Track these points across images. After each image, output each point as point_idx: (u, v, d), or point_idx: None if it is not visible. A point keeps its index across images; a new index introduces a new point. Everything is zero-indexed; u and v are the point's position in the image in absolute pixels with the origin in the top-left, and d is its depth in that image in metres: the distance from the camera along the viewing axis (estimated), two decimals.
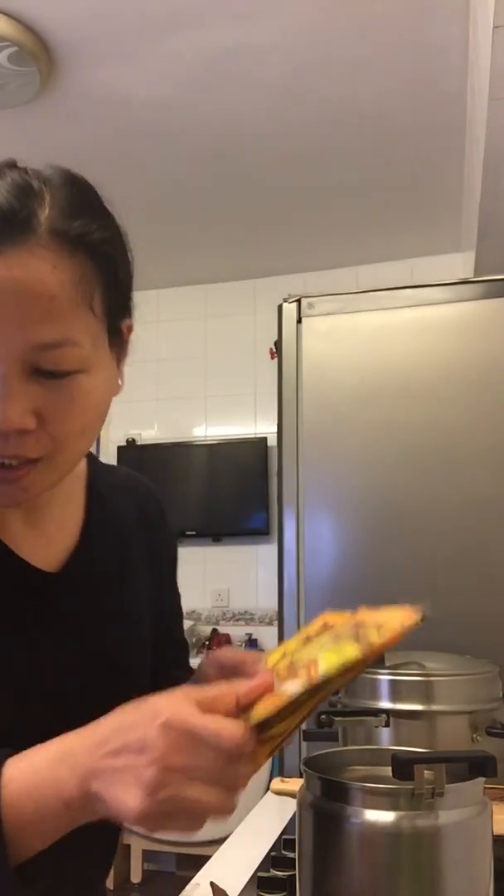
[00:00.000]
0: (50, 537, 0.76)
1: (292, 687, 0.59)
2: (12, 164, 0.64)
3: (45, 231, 0.59)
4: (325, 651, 0.63)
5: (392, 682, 1.23)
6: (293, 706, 0.59)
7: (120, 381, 0.70)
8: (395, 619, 0.64)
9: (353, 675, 0.65)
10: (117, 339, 0.68)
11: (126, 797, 0.54)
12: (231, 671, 0.71)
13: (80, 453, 0.68)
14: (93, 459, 0.86)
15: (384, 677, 1.24)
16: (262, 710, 0.58)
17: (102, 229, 0.64)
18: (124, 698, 0.78)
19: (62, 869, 0.76)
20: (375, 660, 0.64)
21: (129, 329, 0.71)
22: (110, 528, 0.83)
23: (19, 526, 0.74)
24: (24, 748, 0.68)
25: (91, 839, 0.79)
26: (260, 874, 1.01)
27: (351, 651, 0.60)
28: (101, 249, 0.63)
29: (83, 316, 0.62)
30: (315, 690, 0.59)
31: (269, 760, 0.72)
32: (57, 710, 0.71)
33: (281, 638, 1.85)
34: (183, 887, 1.01)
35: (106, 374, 0.67)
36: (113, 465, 0.89)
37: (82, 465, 0.83)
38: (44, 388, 0.61)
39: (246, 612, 4.10)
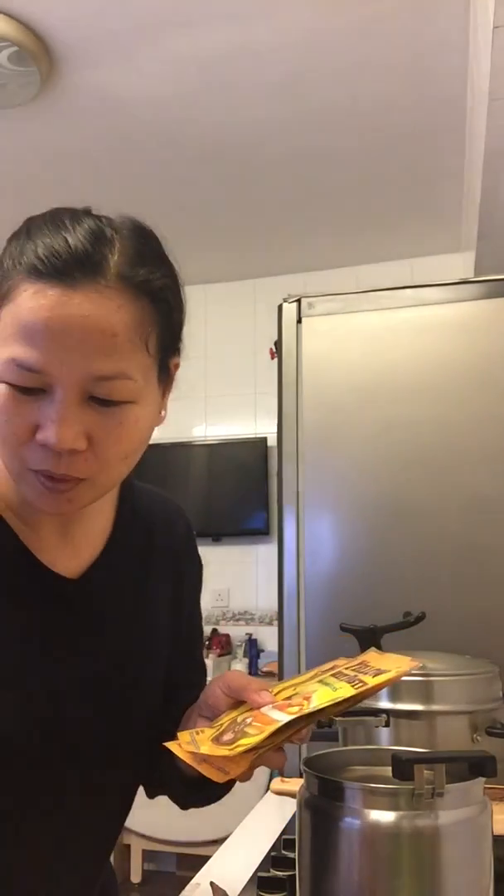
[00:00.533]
0: (77, 547, 0.79)
1: (280, 717, 0.64)
2: (88, 211, 0.70)
3: (113, 275, 0.66)
4: (322, 687, 0.67)
5: None
6: (281, 730, 0.64)
7: (163, 413, 0.77)
8: (392, 665, 0.68)
9: (344, 707, 0.69)
10: (165, 374, 0.76)
11: None
12: (237, 692, 0.74)
13: (121, 475, 0.73)
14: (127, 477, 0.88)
15: None
16: (251, 739, 0.62)
17: (163, 277, 0.72)
18: (134, 708, 0.79)
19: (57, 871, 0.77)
20: (366, 698, 0.67)
21: (176, 366, 0.79)
22: (135, 544, 0.86)
23: (49, 533, 0.77)
24: (32, 752, 0.71)
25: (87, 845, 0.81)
26: (260, 874, 1.01)
27: (344, 690, 0.65)
28: (161, 296, 0.71)
29: (139, 354, 0.68)
30: (302, 719, 0.64)
31: None
32: (67, 715, 0.73)
33: (281, 638, 1.85)
34: (183, 887, 1.01)
35: (153, 406, 0.73)
36: (147, 486, 0.93)
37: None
38: (96, 414, 0.67)
39: (246, 612, 4.10)
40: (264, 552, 4.01)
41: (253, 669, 3.89)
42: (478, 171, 2.50)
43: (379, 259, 3.93)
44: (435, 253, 3.84)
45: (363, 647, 1.25)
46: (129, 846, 3.53)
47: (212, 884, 0.97)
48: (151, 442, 0.79)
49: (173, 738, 0.82)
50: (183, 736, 0.71)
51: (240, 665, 3.87)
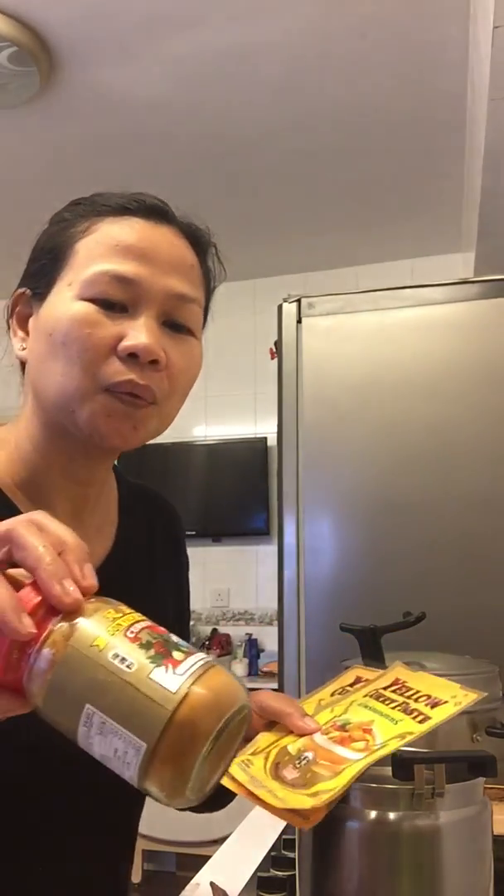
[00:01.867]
0: (90, 538, 0.77)
1: (351, 755, 0.61)
2: None
3: (180, 227, 0.77)
4: (374, 715, 0.65)
5: None
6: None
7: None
8: (443, 693, 0.65)
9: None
10: (203, 329, 0.81)
11: None
12: (276, 717, 0.72)
13: (175, 412, 0.78)
14: (119, 473, 0.90)
15: None
16: (332, 785, 0.58)
17: (209, 251, 0.81)
18: None
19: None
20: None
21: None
22: (139, 535, 0.88)
23: (61, 516, 0.71)
24: (30, 746, 0.67)
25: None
26: (260, 874, 1.01)
27: (407, 725, 0.62)
28: (207, 262, 0.80)
29: (201, 292, 0.78)
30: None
31: None
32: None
33: (281, 638, 1.85)
34: (183, 887, 1.01)
35: (200, 349, 0.79)
36: (134, 480, 0.94)
37: (113, 473, 0.88)
38: (169, 339, 0.73)
39: (246, 612, 4.10)
40: (264, 552, 4.01)
41: (253, 669, 3.89)
42: (478, 171, 2.50)
43: (379, 259, 3.93)
44: (435, 253, 3.84)
45: (363, 648, 1.25)
46: None
47: (212, 884, 0.97)
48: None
49: None
50: (231, 769, 0.62)
51: (240, 665, 3.87)
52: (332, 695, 0.74)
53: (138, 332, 0.70)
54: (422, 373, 1.85)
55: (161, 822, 3.31)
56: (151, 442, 0.80)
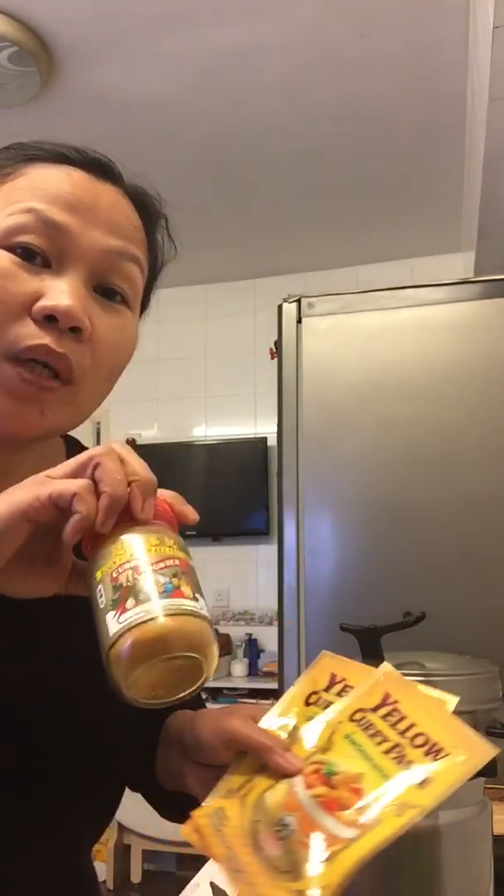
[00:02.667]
0: None
1: (341, 831, 0.52)
2: None
3: (127, 189, 0.68)
4: (361, 761, 0.55)
5: None
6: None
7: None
8: (443, 731, 0.54)
9: None
10: (146, 302, 0.72)
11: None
12: (249, 748, 0.62)
13: (97, 399, 0.67)
14: (74, 446, 0.79)
15: None
16: (322, 879, 0.50)
17: (158, 222, 0.72)
18: (98, 707, 0.66)
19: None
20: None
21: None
22: None
23: None
24: (17, 746, 0.63)
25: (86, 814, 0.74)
26: None
27: (405, 793, 0.52)
28: (155, 234, 0.71)
29: (143, 257, 0.68)
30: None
31: None
32: (16, 716, 0.65)
33: (281, 638, 1.85)
34: (183, 887, 1.01)
35: (135, 326, 0.69)
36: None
37: (61, 452, 0.77)
38: (98, 306, 0.63)
39: (246, 612, 4.10)
40: (264, 552, 4.01)
41: (253, 669, 3.89)
42: (478, 171, 2.50)
43: (379, 259, 3.93)
44: (435, 253, 3.84)
45: (363, 648, 1.25)
46: (129, 846, 3.53)
47: (212, 884, 0.97)
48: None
49: (147, 740, 0.74)
50: (201, 820, 0.57)
51: (240, 665, 3.87)
52: (308, 703, 0.64)
53: (60, 292, 0.59)
54: (422, 373, 1.85)
55: (161, 822, 3.30)
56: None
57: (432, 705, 0.58)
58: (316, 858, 0.52)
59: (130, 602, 0.49)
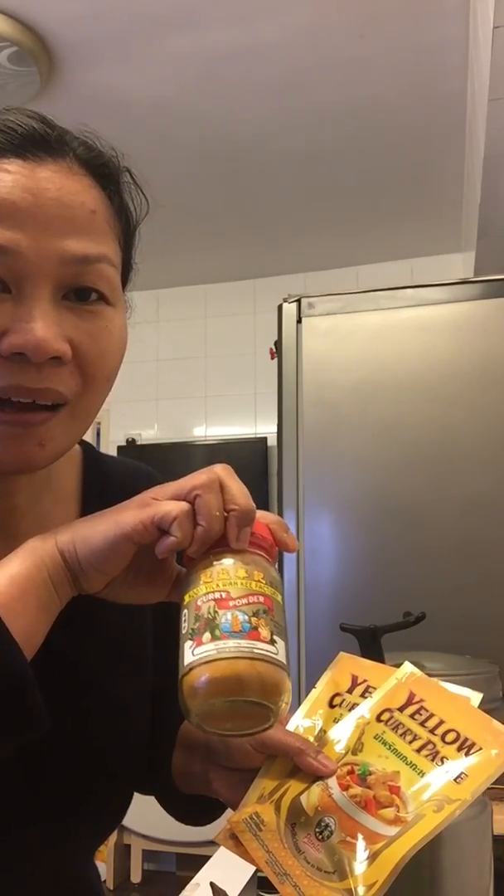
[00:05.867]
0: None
1: (382, 829, 0.53)
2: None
3: (76, 156, 0.59)
4: (396, 760, 0.56)
5: None
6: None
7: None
8: (473, 726, 0.56)
9: None
10: (124, 286, 0.65)
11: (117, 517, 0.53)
12: (276, 751, 0.61)
13: (99, 405, 0.62)
14: (90, 452, 0.78)
15: None
16: (369, 877, 0.51)
17: (121, 180, 0.64)
18: (111, 728, 0.67)
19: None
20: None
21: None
22: None
23: None
24: (25, 752, 0.62)
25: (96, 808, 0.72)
26: (260, 874, 1.00)
27: (443, 789, 0.53)
28: (121, 196, 0.63)
29: (113, 243, 0.60)
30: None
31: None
32: (62, 712, 0.64)
33: None
34: (183, 887, 1.01)
35: (123, 318, 0.62)
36: (112, 457, 0.80)
37: (77, 459, 0.75)
38: (74, 317, 0.57)
39: None
40: None
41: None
42: (478, 171, 2.50)
43: (379, 259, 3.93)
44: (435, 253, 3.84)
45: (363, 648, 1.25)
46: (129, 846, 3.52)
47: (212, 884, 0.97)
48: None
49: (161, 748, 0.74)
50: (237, 826, 0.57)
51: None
52: (332, 705, 0.65)
53: (26, 322, 0.53)
54: (422, 373, 1.85)
55: (161, 822, 3.30)
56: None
57: (457, 702, 0.59)
58: (360, 857, 0.52)
59: (206, 636, 0.50)
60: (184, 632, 0.52)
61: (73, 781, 0.68)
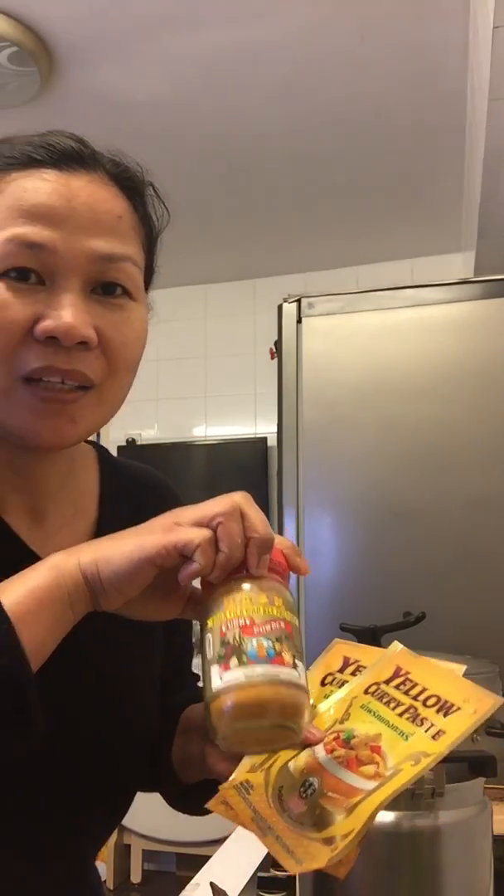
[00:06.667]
0: (55, 531, 0.72)
1: (361, 784, 0.54)
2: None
3: (105, 171, 0.67)
4: (380, 725, 0.58)
5: None
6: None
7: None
8: (455, 693, 0.58)
9: None
10: (146, 295, 0.71)
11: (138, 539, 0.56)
12: None
13: (124, 393, 0.68)
14: (105, 453, 0.83)
15: None
16: (346, 827, 0.53)
17: (145, 193, 0.71)
18: (127, 706, 0.71)
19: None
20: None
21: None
22: (122, 526, 0.78)
23: (18, 512, 0.69)
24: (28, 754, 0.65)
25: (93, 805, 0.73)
26: (260, 874, 1.01)
27: (420, 742, 0.55)
28: (146, 201, 0.70)
29: (137, 247, 0.67)
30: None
31: None
32: (64, 714, 0.66)
33: None
34: (183, 887, 1.01)
35: (145, 313, 0.69)
36: (128, 461, 0.86)
37: (93, 458, 0.81)
38: (101, 308, 0.63)
39: None
40: None
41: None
42: (478, 171, 2.50)
43: (379, 259, 3.93)
44: (435, 253, 3.84)
45: None
46: (129, 846, 3.52)
47: (212, 884, 0.97)
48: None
49: (166, 730, 0.77)
50: (227, 792, 0.59)
51: None
52: (323, 683, 0.68)
53: (58, 310, 0.60)
54: (422, 373, 1.85)
55: (161, 822, 3.31)
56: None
57: (442, 672, 0.62)
58: (339, 810, 0.55)
59: (234, 662, 0.53)
60: (209, 656, 0.54)
61: (72, 783, 0.69)
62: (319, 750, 0.60)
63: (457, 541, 1.77)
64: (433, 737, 0.56)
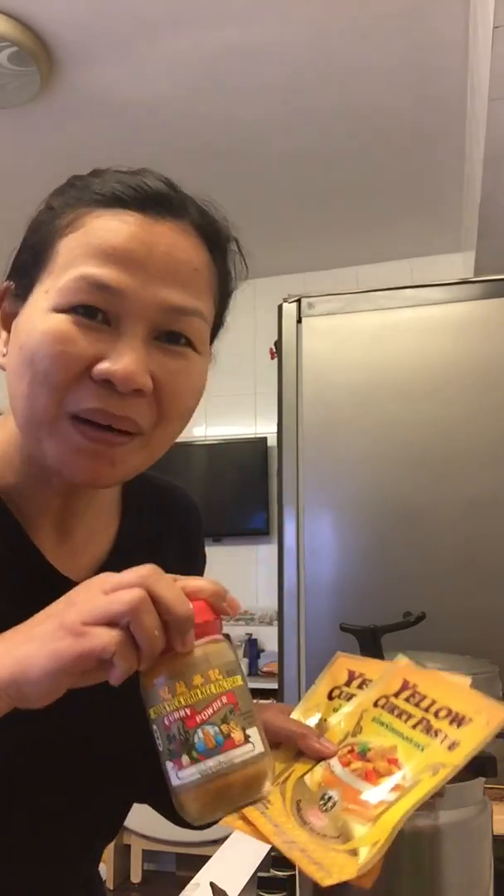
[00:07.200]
0: (79, 547, 0.72)
1: (382, 795, 0.55)
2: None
3: (192, 219, 0.66)
4: (395, 737, 0.59)
5: None
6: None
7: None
8: (466, 706, 0.58)
9: None
10: (210, 349, 0.71)
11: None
12: (285, 738, 0.64)
13: (170, 440, 0.67)
14: None
15: None
16: (371, 839, 0.53)
17: (227, 248, 0.70)
18: (139, 718, 0.72)
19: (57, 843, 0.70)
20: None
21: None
22: (144, 542, 0.79)
23: (47, 531, 0.70)
24: (29, 761, 0.64)
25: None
26: (260, 874, 1.00)
27: (435, 753, 0.55)
28: (225, 261, 0.69)
29: (209, 302, 0.66)
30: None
31: None
32: (71, 734, 0.67)
33: (281, 638, 1.85)
34: (183, 887, 1.01)
35: (206, 366, 0.68)
36: (153, 475, 0.83)
37: None
38: (162, 356, 0.62)
39: (246, 612, 4.10)
40: (264, 552, 4.01)
41: (253, 669, 3.89)
42: (478, 171, 2.50)
43: (379, 259, 3.93)
44: (435, 253, 3.85)
45: (363, 648, 1.25)
46: (129, 846, 3.53)
47: (212, 884, 0.97)
48: None
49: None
50: (246, 808, 0.59)
51: None
52: (331, 697, 0.68)
53: (120, 354, 0.59)
54: (422, 373, 1.85)
55: (161, 822, 3.30)
56: None
57: (449, 685, 0.62)
58: (362, 821, 0.55)
59: (185, 759, 0.52)
60: (161, 749, 0.53)
61: (73, 789, 0.69)
62: (335, 763, 0.61)
63: (457, 540, 1.77)
64: (448, 748, 0.56)
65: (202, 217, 0.67)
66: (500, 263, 2.88)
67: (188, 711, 0.52)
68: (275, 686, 1.97)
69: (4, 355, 0.66)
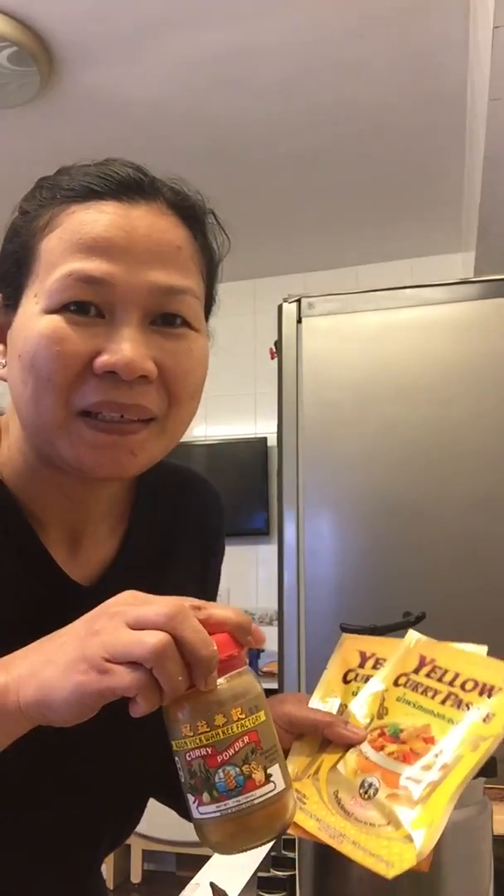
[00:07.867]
0: (87, 550, 0.72)
1: (422, 775, 0.53)
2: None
3: (166, 199, 0.65)
4: (421, 714, 0.57)
5: None
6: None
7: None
8: (489, 672, 0.56)
9: None
10: (206, 319, 0.70)
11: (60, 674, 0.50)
12: (311, 729, 0.64)
13: (187, 421, 0.67)
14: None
15: None
16: (425, 819, 0.51)
17: (205, 221, 0.70)
18: (148, 726, 0.71)
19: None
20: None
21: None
22: (155, 539, 0.78)
23: (57, 535, 0.70)
24: (37, 766, 0.64)
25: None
26: (260, 874, 1.00)
27: (473, 728, 0.54)
28: (205, 235, 0.69)
29: (197, 277, 0.66)
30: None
31: None
32: (76, 741, 0.65)
33: (281, 638, 1.85)
34: (183, 887, 1.01)
35: (206, 342, 0.68)
36: (171, 463, 0.79)
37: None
38: (162, 340, 0.62)
39: (246, 612, 4.07)
40: (264, 552, 4.01)
41: (253, 669, 3.88)
42: (478, 171, 2.50)
43: (379, 259, 3.93)
44: (435, 253, 3.84)
45: None
46: (129, 846, 3.52)
47: (212, 884, 0.97)
48: None
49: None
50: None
51: None
52: (346, 681, 0.66)
53: (118, 344, 0.59)
54: (422, 373, 1.85)
55: (161, 822, 3.30)
56: None
57: (468, 655, 0.60)
58: (410, 804, 0.53)
59: (206, 796, 0.52)
60: (182, 779, 0.53)
61: (87, 792, 0.69)
62: (367, 749, 0.59)
63: (457, 540, 1.77)
64: (483, 720, 0.55)
65: (175, 195, 0.66)
66: (500, 263, 2.88)
67: (209, 751, 0.52)
68: (275, 686, 1.97)
69: (4, 366, 0.66)
